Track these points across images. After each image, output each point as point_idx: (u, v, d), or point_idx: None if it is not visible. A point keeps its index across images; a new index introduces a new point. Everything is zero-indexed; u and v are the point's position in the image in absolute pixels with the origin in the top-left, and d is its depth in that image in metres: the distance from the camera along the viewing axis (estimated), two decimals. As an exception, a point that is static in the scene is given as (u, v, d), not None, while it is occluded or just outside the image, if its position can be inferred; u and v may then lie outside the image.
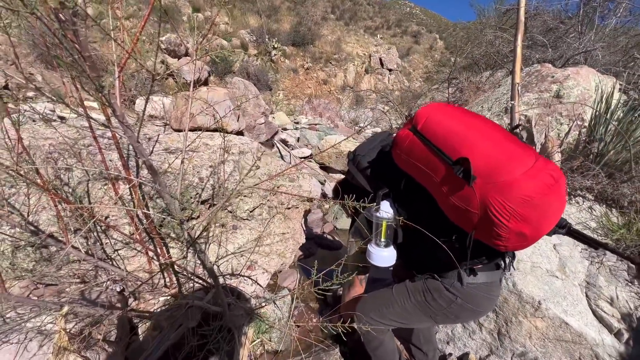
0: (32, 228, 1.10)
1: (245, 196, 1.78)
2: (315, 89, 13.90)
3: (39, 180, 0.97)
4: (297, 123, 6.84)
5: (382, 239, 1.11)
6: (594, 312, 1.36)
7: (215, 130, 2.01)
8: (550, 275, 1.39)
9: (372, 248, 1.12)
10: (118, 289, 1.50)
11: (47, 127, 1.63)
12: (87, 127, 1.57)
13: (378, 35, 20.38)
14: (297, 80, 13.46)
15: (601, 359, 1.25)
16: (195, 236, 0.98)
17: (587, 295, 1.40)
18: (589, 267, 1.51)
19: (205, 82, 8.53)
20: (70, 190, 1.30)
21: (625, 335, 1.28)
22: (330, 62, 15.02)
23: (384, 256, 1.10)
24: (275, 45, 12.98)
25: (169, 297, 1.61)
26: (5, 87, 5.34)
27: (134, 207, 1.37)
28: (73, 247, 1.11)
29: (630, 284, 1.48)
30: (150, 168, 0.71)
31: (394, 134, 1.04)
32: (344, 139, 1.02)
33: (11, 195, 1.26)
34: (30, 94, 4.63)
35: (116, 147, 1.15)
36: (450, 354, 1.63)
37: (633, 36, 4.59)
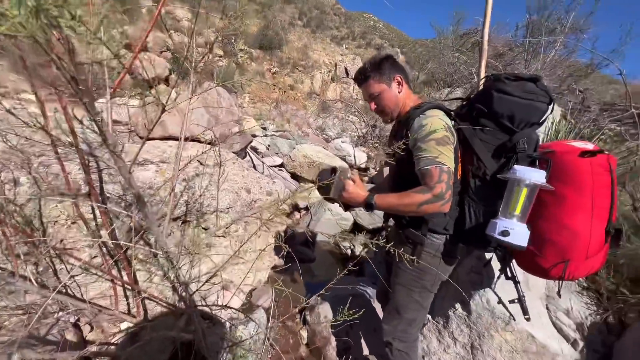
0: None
1: (221, 212, 1.68)
2: (281, 94, 13.78)
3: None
4: (265, 129, 6.72)
5: (517, 211, 1.00)
6: (554, 324, 1.49)
7: (187, 140, 1.87)
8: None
9: (507, 222, 1.00)
10: (72, 320, 1.31)
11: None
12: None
13: (344, 45, 20.88)
14: (263, 84, 13.24)
15: (561, 367, 1.37)
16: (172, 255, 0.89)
17: (547, 308, 1.53)
18: (547, 281, 1.66)
19: (166, 80, 8.02)
20: (17, 209, 1.12)
21: (580, 344, 1.42)
22: (297, 68, 15.01)
23: (522, 233, 0.98)
24: (242, 47, 12.68)
25: (132, 325, 1.45)
26: None
27: (97, 229, 1.22)
28: (21, 276, 0.94)
29: (580, 294, 1.65)
30: (139, 199, 0.63)
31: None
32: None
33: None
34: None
35: (81, 164, 1.01)
36: (426, 368, 1.68)
37: (568, 67, 5.26)
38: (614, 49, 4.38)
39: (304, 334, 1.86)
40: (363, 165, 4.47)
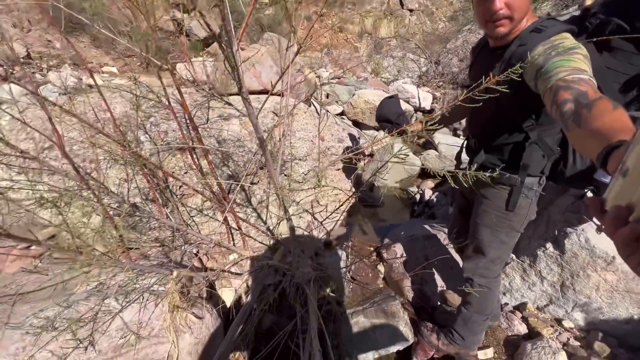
0: (120, 200, 1.16)
1: (300, 160, 1.79)
2: (331, 38, 13.00)
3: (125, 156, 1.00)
4: (319, 77, 6.55)
5: None
6: (669, 265, 1.35)
7: (261, 92, 1.95)
8: (625, 230, 1.37)
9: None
10: (194, 251, 1.61)
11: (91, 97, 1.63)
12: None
13: (397, -30, 18.25)
14: (311, 30, 12.54)
15: (673, 309, 1.27)
16: (262, 199, 1.00)
17: (662, 249, 1.38)
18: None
19: (213, 38, 8.10)
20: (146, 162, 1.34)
21: (702, 287, 1.28)
22: (347, 7, 13.80)
23: None
24: (287, -10, 11.96)
25: (239, 257, 1.73)
26: (28, 56, 5.29)
27: (203, 176, 1.41)
28: (164, 216, 1.17)
29: None
30: (262, 143, 0.71)
31: None
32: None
33: (91, 169, 1.32)
34: (53, 62, 4.59)
35: (190, 120, 1.15)
36: (507, 304, 1.71)
37: None
38: None
39: (381, 269, 2.00)
40: (428, 108, 4.18)
